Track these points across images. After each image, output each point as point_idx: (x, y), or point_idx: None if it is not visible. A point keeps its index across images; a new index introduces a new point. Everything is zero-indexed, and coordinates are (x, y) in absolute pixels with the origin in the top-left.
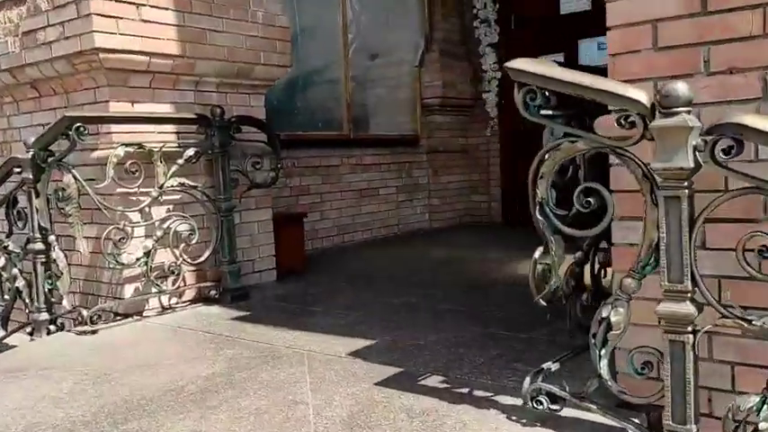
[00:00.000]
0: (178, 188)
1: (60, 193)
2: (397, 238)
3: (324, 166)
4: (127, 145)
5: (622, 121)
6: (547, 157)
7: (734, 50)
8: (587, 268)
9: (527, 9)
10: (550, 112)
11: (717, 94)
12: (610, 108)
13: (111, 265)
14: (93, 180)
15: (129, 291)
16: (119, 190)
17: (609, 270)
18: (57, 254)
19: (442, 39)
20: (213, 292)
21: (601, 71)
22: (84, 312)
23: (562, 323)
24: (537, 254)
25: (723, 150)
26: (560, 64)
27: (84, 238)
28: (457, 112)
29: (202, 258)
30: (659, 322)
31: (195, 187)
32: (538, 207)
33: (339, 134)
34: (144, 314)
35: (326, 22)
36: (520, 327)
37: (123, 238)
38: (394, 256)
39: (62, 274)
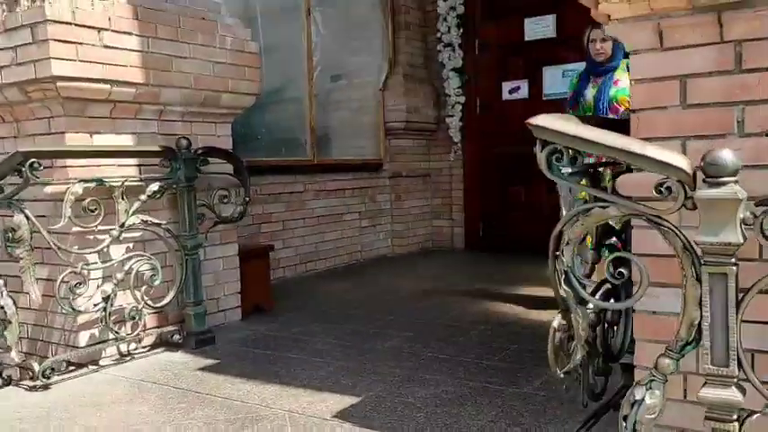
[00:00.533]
0: (140, 226)
1: (10, 235)
2: (361, 265)
3: (287, 193)
4: (85, 181)
5: (661, 189)
6: (565, 226)
7: None
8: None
9: (491, 34)
10: (570, 170)
11: (752, 158)
12: (632, 167)
13: (64, 311)
14: (45, 217)
15: (84, 338)
16: (75, 229)
17: (616, 329)
18: (4, 300)
19: (406, 62)
20: (176, 337)
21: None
22: (36, 366)
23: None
24: (555, 322)
25: None
26: (583, 119)
27: (36, 279)
28: (420, 136)
29: (166, 301)
30: (684, 395)
31: (159, 224)
32: (563, 276)
33: (303, 160)
34: (101, 363)
35: (291, 45)
36: (509, 377)
37: (80, 283)
38: (361, 288)
39: (10, 322)
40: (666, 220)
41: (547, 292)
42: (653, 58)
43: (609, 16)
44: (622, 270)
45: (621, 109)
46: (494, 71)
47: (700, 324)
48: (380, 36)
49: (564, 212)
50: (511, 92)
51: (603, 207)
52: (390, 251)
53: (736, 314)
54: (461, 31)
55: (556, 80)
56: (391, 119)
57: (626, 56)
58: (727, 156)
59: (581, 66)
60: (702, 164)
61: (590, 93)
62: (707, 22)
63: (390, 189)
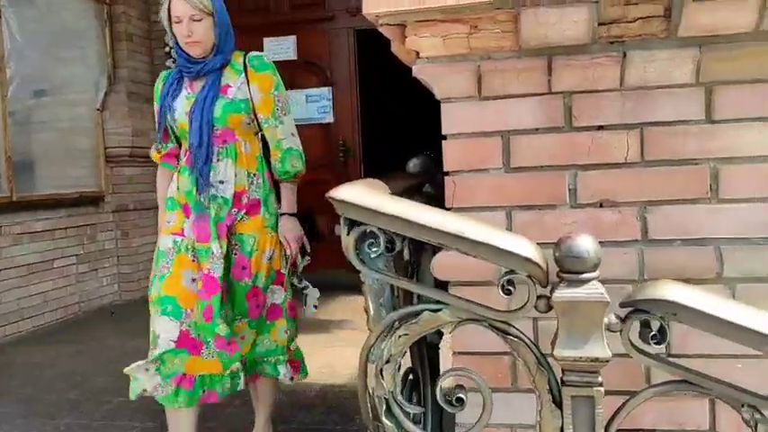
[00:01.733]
0: None
1: None
2: (80, 321)
3: None
4: None
5: (506, 286)
6: (380, 336)
7: (606, 179)
8: None
9: None
10: (378, 252)
11: (587, 233)
12: (440, 244)
13: None
14: None
15: None
16: None
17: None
18: None
19: (129, 78)
20: None
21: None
22: None
23: None
24: None
25: (653, 336)
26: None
27: None
28: (149, 163)
29: None
30: None
31: None
32: (384, 406)
33: None
34: None
35: None
36: None
37: None
38: (81, 356)
39: None
40: (515, 327)
41: (356, 338)
42: (470, 108)
43: (417, 53)
44: (461, 396)
45: (238, 138)
46: None
47: None
48: (95, 46)
49: (371, 310)
50: None
51: (434, 311)
52: (118, 298)
53: None
54: None
55: (299, 105)
56: (113, 143)
57: (242, 48)
58: (586, 244)
59: (322, 91)
60: (556, 254)
61: (182, 107)
62: (535, 67)
63: (115, 225)
